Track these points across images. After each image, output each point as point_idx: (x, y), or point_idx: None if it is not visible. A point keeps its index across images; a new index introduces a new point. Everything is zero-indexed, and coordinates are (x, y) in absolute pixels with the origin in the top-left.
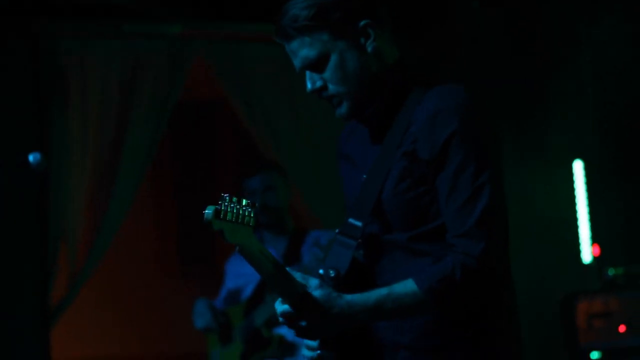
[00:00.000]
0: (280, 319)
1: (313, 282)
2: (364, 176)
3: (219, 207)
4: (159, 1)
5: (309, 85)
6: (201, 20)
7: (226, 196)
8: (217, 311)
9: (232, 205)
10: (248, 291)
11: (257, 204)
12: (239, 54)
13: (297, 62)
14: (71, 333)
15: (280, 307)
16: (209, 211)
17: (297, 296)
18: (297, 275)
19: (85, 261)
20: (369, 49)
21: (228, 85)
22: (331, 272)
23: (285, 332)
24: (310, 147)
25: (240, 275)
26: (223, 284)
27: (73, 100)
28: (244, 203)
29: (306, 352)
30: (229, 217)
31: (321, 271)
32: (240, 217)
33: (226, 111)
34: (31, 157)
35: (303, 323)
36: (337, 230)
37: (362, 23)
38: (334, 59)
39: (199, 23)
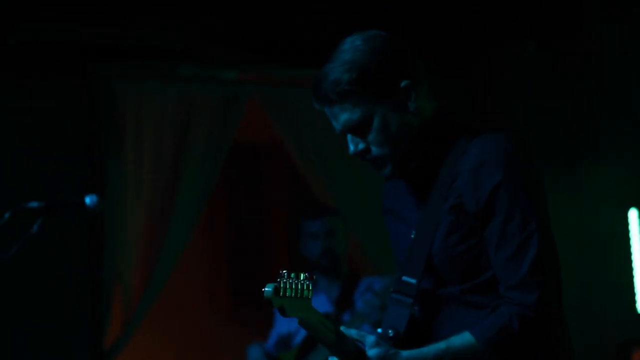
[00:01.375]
0: None
1: (369, 340)
2: (413, 232)
3: (278, 285)
4: (214, 44)
5: (352, 148)
6: (256, 64)
7: (284, 272)
8: (271, 357)
9: (290, 280)
10: (300, 336)
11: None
12: (293, 98)
13: (338, 126)
14: None
15: None
16: (269, 289)
17: (353, 356)
18: (353, 332)
19: (138, 303)
20: (411, 109)
21: (282, 130)
22: (390, 331)
23: None
24: (365, 193)
25: (292, 321)
26: (273, 327)
27: (128, 143)
28: (301, 278)
29: None
30: (288, 293)
31: (380, 330)
32: (299, 291)
33: (280, 156)
34: (88, 199)
35: None
36: (391, 289)
37: (403, 84)
38: (376, 122)
39: (254, 67)
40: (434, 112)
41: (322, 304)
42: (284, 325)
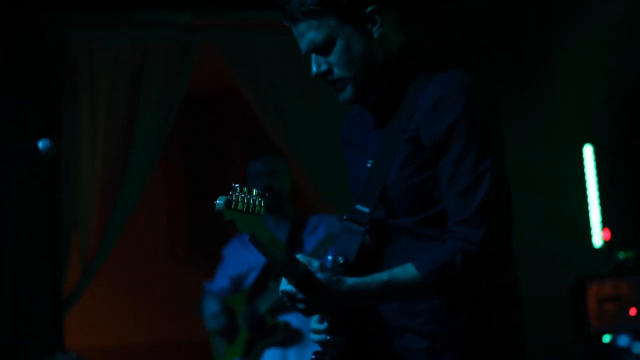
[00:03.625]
0: (284, 297)
1: (315, 264)
2: (370, 162)
3: (230, 198)
4: None
5: (314, 69)
6: (210, 8)
7: (237, 186)
8: (227, 307)
9: (242, 195)
10: (251, 278)
11: (262, 190)
12: (248, 42)
13: (303, 45)
14: (84, 321)
15: (284, 286)
16: (220, 202)
17: (301, 276)
18: (301, 258)
19: (97, 249)
20: (375, 35)
21: (237, 73)
22: (340, 258)
23: (291, 318)
24: (320, 134)
25: (243, 263)
26: (220, 269)
27: (83, 90)
28: (254, 193)
29: (314, 337)
30: (239, 207)
31: (330, 257)
32: (250, 206)
33: (235, 99)
34: (40, 144)
35: (303, 302)
36: (344, 217)
37: (369, 9)
38: (340, 43)
39: (208, 11)
40: (399, 46)
41: None
42: (234, 267)
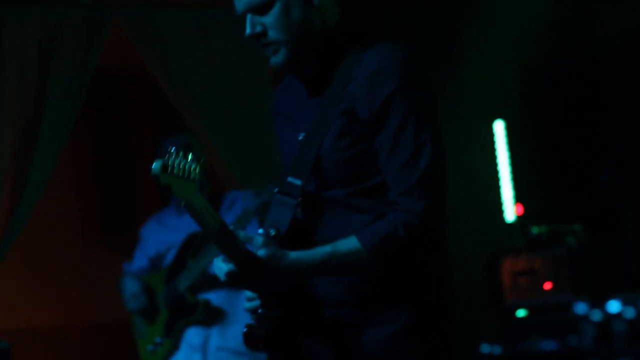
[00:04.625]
0: (225, 278)
1: (257, 241)
2: (302, 134)
3: (166, 162)
4: None
5: (248, 30)
6: None
7: (173, 150)
8: (146, 286)
9: (178, 160)
10: (169, 257)
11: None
12: (156, 20)
13: (239, 5)
14: None
15: (225, 266)
16: (156, 165)
17: (241, 255)
18: (240, 234)
19: (6, 232)
20: (315, 3)
21: (146, 53)
22: (271, 231)
23: (211, 296)
24: (230, 112)
25: (161, 242)
26: (138, 249)
27: None
28: (189, 157)
29: (247, 304)
30: (175, 171)
31: (261, 230)
32: (186, 172)
33: (145, 78)
34: None
35: (246, 282)
36: (275, 190)
37: None
38: (278, 5)
39: None
40: (335, 18)
41: (187, 224)
42: (152, 247)
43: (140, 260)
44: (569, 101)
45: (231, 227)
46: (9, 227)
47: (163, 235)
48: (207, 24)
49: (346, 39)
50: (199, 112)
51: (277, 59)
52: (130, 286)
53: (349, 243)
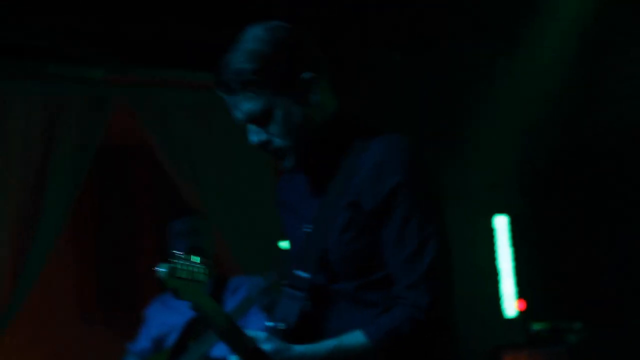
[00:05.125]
0: None
1: (262, 336)
2: (307, 226)
3: (173, 265)
4: (80, 43)
5: (253, 139)
6: (124, 65)
7: (180, 254)
8: None
9: (184, 262)
10: (172, 339)
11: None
12: (160, 99)
13: (239, 115)
14: None
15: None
16: (163, 269)
17: (249, 351)
18: (247, 331)
19: (5, 309)
20: (312, 102)
21: (149, 131)
22: (280, 324)
23: None
24: (232, 193)
25: (164, 324)
26: (142, 329)
27: None
28: (197, 260)
29: None
30: (182, 275)
31: (270, 324)
32: (193, 274)
33: (147, 156)
34: None
35: None
36: (284, 283)
37: (305, 76)
38: (278, 113)
39: (121, 68)
40: (335, 109)
41: None
42: (155, 328)
43: (143, 341)
44: (571, 196)
45: (231, 313)
46: (10, 301)
47: (166, 316)
48: (210, 104)
49: (348, 128)
50: (200, 191)
51: (287, 163)
52: None
53: (355, 337)
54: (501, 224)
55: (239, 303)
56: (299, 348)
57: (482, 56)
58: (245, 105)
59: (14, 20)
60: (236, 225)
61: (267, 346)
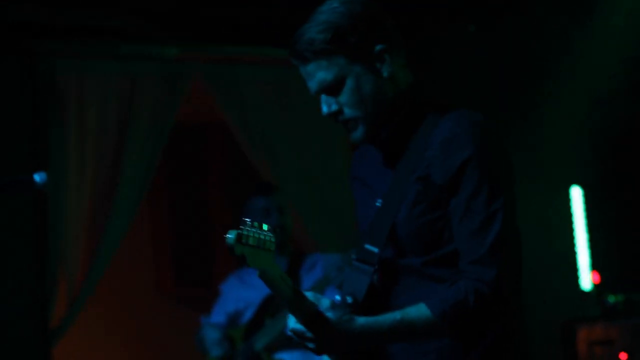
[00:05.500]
0: (293, 336)
1: (324, 303)
2: (379, 201)
3: (241, 232)
4: (156, 23)
5: (324, 109)
6: (198, 42)
7: (247, 220)
8: (226, 335)
9: (253, 230)
10: (248, 315)
11: (272, 226)
12: (235, 76)
13: (312, 85)
14: (72, 355)
15: (293, 324)
16: (231, 235)
17: (312, 317)
18: (310, 295)
19: (83, 283)
20: (385, 74)
21: (225, 108)
22: (348, 298)
23: (287, 357)
24: (307, 170)
25: (241, 299)
26: (217, 304)
27: (71, 121)
28: (265, 228)
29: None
30: (250, 241)
31: (338, 297)
32: (261, 242)
33: (223, 133)
34: (37, 177)
35: (313, 342)
36: (353, 257)
37: (378, 48)
38: (350, 82)
39: (195, 45)
40: (409, 84)
41: None
42: (231, 303)
43: (218, 315)
44: None
45: (309, 291)
46: (86, 279)
47: (243, 292)
48: (285, 80)
49: (421, 103)
50: (275, 168)
51: (356, 134)
52: (213, 334)
53: (419, 310)
54: (577, 195)
55: (316, 281)
56: (362, 319)
57: (556, 26)
58: (319, 74)
59: (87, 1)
60: (312, 203)
61: (330, 314)
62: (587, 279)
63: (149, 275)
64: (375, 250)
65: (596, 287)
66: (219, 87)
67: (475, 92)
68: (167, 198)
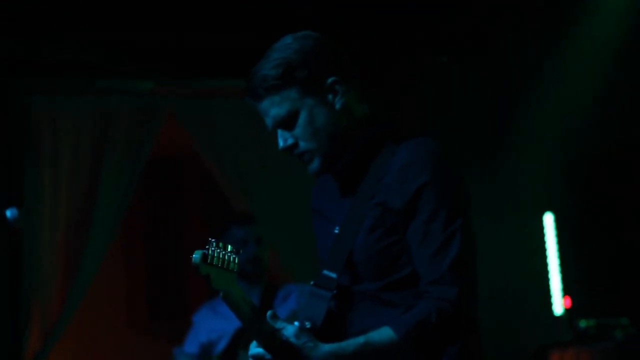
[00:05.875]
0: None
1: (290, 330)
2: (337, 228)
3: (206, 252)
4: (130, 58)
5: (280, 143)
6: (172, 77)
7: (213, 241)
8: None
9: (218, 250)
10: (221, 346)
11: (251, 256)
12: (208, 109)
13: (268, 121)
14: None
15: (254, 349)
16: (196, 255)
17: (276, 344)
18: (275, 323)
19: (58, 316)
20: (337, 105)
21: (198, 141)
22: (307, 323)
23: None
24: (281, 200)
25: (214, 330)
26: (190, 335)
27: (45, 156)
28: (229, 249)
29: None
30: (215, 262)
31: (297, 323)
32: (225, 262)
33: (197, 167)
34: (8, 213)
35: None
36: (312, 282)
37: (329, 80)
38: (303, 115)
39: (169, 80)
40: (364, 114)
41: None
42: (204, 333)
43: (191, 346)
44: (617, 194)
45: (283, 322)
46: (61, 313)
47: (216, 322)
48: (258, 113)
49: (378, 133)
50: (248, 200)
51: (312, 166)
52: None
53: (382, 333)
54: (549, 221)
55: (290, 312)
56: (327, 346)
57: (527, 56)
58: (272, 110)
59: (63, 34)
60: (287, 235)
61: (295, 341)
62: (559, 304)
63: (123, 310)
64: (334, 275)
65: (568, 311)
66: (192, 121)
67: (448, 122)
68: (142, 232)
